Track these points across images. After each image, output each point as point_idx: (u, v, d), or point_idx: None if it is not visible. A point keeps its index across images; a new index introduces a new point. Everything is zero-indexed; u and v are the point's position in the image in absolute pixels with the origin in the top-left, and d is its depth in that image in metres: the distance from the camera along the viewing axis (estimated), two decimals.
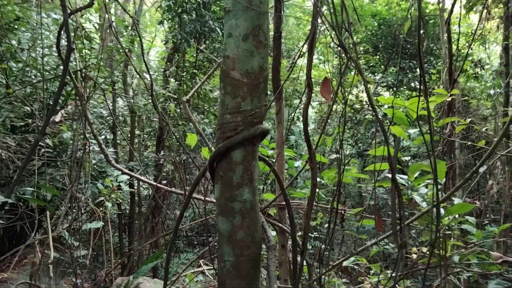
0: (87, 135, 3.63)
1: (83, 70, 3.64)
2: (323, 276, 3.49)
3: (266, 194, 3.38)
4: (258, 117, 1.98)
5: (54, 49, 6.84)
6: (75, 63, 4.08)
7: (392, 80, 10.10)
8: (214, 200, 2.95)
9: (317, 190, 3.19)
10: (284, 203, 3.01)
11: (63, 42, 6.15)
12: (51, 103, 6.03)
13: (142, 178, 3.50)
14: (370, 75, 11.00)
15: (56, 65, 7.15)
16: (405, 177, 3.40)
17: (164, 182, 8.86)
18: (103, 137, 7.64)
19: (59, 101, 6.56)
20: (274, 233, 3.40)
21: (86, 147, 3.76)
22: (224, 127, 1.97)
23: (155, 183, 3.43)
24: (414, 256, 3.95)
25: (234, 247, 1.96)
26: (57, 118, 5.20)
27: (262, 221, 2.11)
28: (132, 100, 8.12)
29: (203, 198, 2.98)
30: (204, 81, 3.17)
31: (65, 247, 4.30)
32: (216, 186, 2.03)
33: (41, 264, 3.61)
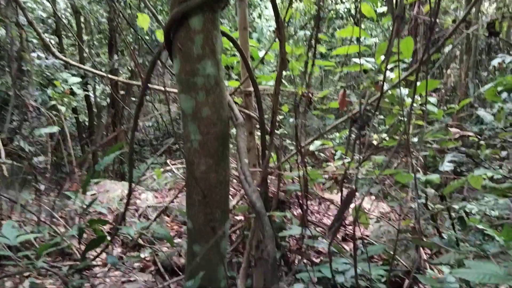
0: (21, 26, 3.17)
1: None
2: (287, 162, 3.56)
3: (231, 81, 3.22)
4: None
5: None
6: None
7: None
8: (174, 90, 2.76)
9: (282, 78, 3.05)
10: (249, 89, 2.88)
11: None
12: None
13: (94, 70, 3.20)
14: None
15: None
16: (372, 60, 3.32)
17: (122, 92, 8.42)
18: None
19: None
20: None
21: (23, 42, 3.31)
22: None
23: (109, 75, 3.15)
24: (375, 142, 4.09)
25: (200, 125, 1.85)
26: None
27: (228, 99, 1.98)
28: None
29: (162, 88, 2.78)
30: None
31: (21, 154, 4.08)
32: (175, 61, 1.83)
33: None
